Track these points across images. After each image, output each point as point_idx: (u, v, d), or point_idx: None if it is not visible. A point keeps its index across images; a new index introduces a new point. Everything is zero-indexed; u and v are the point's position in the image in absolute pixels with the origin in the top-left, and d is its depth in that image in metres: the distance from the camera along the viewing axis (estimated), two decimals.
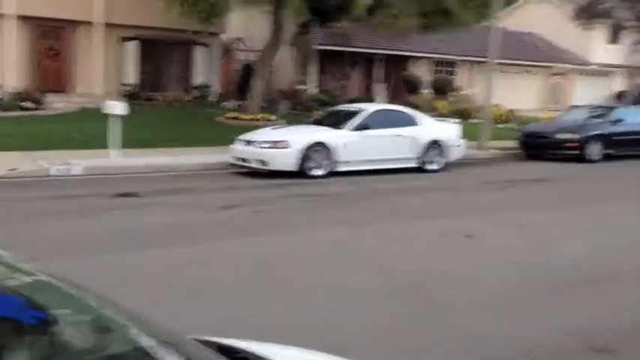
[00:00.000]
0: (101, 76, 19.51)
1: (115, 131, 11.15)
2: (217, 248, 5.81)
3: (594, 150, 14.58)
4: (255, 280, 4.89)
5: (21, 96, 16.88)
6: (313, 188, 9.73)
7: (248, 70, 23.47)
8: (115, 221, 6.88)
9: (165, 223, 6.83)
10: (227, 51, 27.57)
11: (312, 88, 25.72)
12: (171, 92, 21.64)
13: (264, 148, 10.71)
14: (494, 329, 4.10)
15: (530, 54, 31.12)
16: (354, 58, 27.54)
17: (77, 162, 10.55)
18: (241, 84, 22.81)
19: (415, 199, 9.08)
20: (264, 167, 10.66)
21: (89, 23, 19.45)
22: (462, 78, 29.71)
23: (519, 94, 30.21)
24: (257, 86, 17.55)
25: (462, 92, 27.86)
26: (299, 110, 21.56)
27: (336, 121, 11.88)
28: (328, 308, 4.36)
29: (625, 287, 5.09)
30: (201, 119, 17.07)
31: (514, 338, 3.99)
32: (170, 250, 5.67)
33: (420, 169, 11.95)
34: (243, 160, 10.95)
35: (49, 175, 9.88)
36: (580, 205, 8.82)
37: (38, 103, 17.04)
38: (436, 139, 12.14)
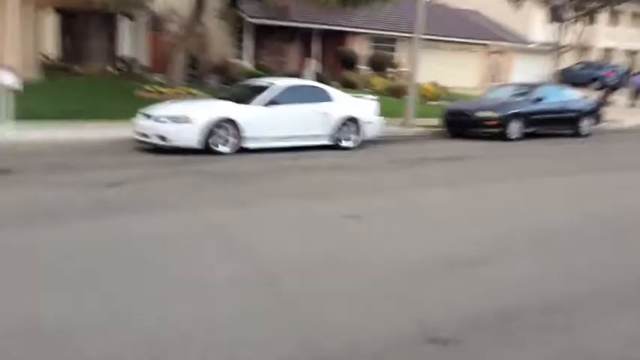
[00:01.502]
0: (17, 47, 18.37)
1: (5, 104, 10.42)
2: (61, 232, 5.34)
3: (514, 128, 14.59)
4: (82, 271, 4.46)
5: None
6: (213, 166, 9.30)
7: None
8: None
9: (36, 203, 6.30)
10: (158, 23, 26.60)
11: (246, 62, 25.09)
12: (93, 64, 20.69)
13: (164, 122, 10.18)
14: (331, 322, 3.82)
15: (469, 31, 31.15)
16: (291, 33, 26.98)
17: None
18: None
19: (316, 178, 8.76)
20: (165, 143, 10.15)
21: None
22: (401, 55, 29.48)
23: (459, 72, 30.31)
24: (178, 58, 16.85)
25: (400, 69, 27.67)
26: (230, 85, 20.94)
27: (245, 96, 11.41)
28: (160, 303, 3.99)
29: (489, 273, 4.89)
30: (120, 92, 16.28)
31: (350, 328, 3.72)
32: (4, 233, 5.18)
33: (334, 147, 11.65)
34: (144, 135, 10.41)
35: None
36: (480, 184, 8.69)
37: None
38: (350, 115, 11.83)
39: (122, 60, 21.72)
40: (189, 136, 10.12)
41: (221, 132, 10.34)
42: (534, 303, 4.25)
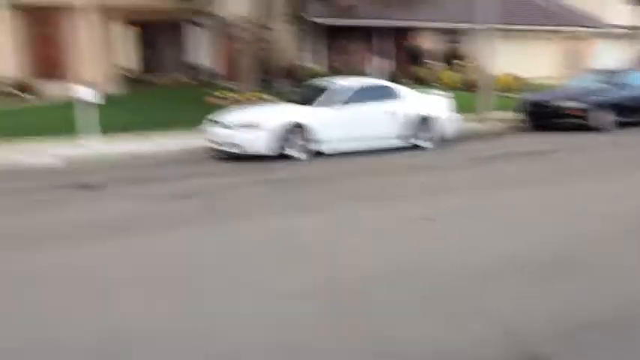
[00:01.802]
0: (96, 60, 19.08)
1: (87, 118, 10.72)
2: (137, 244, 5.32)
3: (601, 118, 13.71)
4: (152, 280, 4.40)
5: (14, 85, 16.60)
6: (285, 172, 9.18)
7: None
8: (55, 215, 6.44)
9: (109, 216, 6.37)
10: (229, 30, 27.00)
11: (316, 64, 25.02)
12: (168, 74, 21.22)
13: (236, 130, 10.16)
14: (407, 333, 3.56)
15: (544, 18, 29.82)
16: (359, 32, 26.71)
17: (52, 151, 10.17)
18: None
19: (389, 180, 8.46)
20: (237, 151, 10.13)
21: (84, 8, 18.97)
22: (472, 47, 28.52)
23: (535, 61, 29.06)
24: (246, 64, 16.96)
25: (471, 62, 26.82)
26: (299, 88, 20.93)
27: (313, 98, 11.22)
28: (232, 311, 3.85)
29: (572, 279, 4.47)
30: (194, 101, 16.54)
31: (429, 341, 3.45)
32: (78, 251, 5.21)
33: (410, 147, 11.30)
34: (218, 143, 10.44)
35: (20, 166, 9.50)
36: (565, 181, 8.12)
37: (32, 92, 16.73)
38: (425, 114, 11.45)
39: (195, 68, 22.15)
40: (260, 142, 10.05)
41: (292, 137, 10.22)
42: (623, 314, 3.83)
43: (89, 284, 4.38)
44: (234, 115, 10.76)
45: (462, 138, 12.88)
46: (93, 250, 5.17)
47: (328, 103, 10.77)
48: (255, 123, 10.18)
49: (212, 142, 10.57)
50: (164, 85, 20.37)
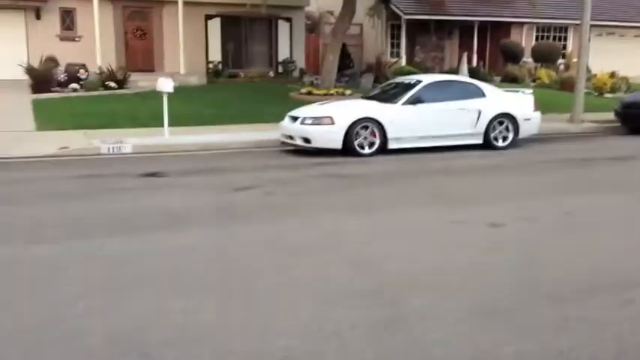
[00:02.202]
0: (186, 54, 19.75)
1: (164, 109, 11.06)
2: (187, 237, 5.37)
3: None
4: (190, 276, 4.40)
5: (106, 76, 17.47)
6: (351, 168, 9.04)
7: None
8: (117, 204, 6.66)
9: (166, 206, 6.50)
10: (316, 25, 27.12)
11: (402, 60, 24.61)
12: (254, 68, 21.61)
13: (308, 124, 10.13)
14: (458, 346, 3.33)
15: None
16: (449, 28, 26.01)
17: (129, 140, 10.58)
18: None
19: (459, 181, 8.10)
20: (308, 145, 10.10)
21: (174, 2, 19.70)
22: (573, 44, 27.06)
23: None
24: (329, 60, 16.90)
25: (572, 60, 25.42)
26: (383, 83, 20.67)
27: (391, 95, 11.02)
28: (264, 313, 3.78)
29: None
30: (277, 95, 16.74)
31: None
32: (133, 238, 5.32)
33: (486, 146, 10.82)
34: (290, 137, 10.46)
35: (99, 154, 9.96)
36: None
37: (122, 83, 17.55)
38: (503, 112, 10.88)
39: (281, 63, 22.41)
40: (331, 137, 9.96)
41: (364, 132, 10.05)
42: None
43: (117, 276, 4.46)
44: (308, 110, 10.74)
45: (547, 138, 12.19)
46: (127, 241, 5.27)
47: (404, 100, 10.50)
48: (327, 118, 10.10)
49: (285, 136, 10.60)
50: (250, 78, 20.75)
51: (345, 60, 24.35)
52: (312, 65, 23.73)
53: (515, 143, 10.99)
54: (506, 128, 10.95)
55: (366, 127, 10.08)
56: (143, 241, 5.25)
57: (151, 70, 20.17)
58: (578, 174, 8.62)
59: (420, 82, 10.90)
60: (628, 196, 7.13)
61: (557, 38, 26.53)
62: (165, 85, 11.00)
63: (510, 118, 10.93)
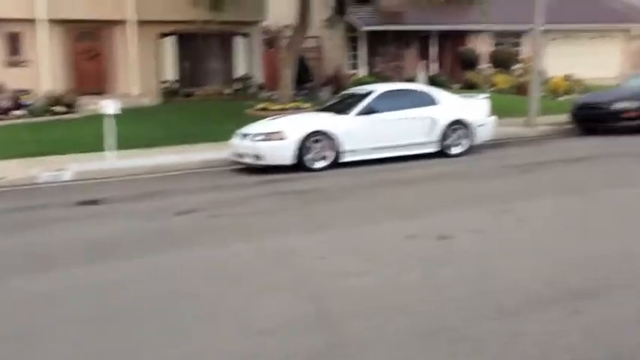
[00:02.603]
0: (139, 74, 19.30)
1: (110, 132, 10.64)
2: (115, 270, 4.99)
3: None
4: (116, 314, 4.04)
5: (53, 100, 16.90)
6: (303, 184, 8.75)
7: (297, 60, 22.63)
8: (43, 236, 6.23)
9: (98, 237, 6.10)
10: (275, 39, 26.91)
11: (362, 71, 24.54)
12: (211, 86, 21.23)
13: (258, 141, 9.82)
14: None
15: (607, 16, 28.21)
16: (407, 37, 26.05)
17: (71, 167, 10.12)
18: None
19: (412, 192, 7.85)
20: (260, 162, 9.78)
21: (124, 22, 19.28)
22: (529, 49, 27.37)
23: (597, 63, 27.57)
24: (286, 74, 16.64)
25: (528, 64, 25.68)
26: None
27: (344, 106, 10.79)
28: (191, 350, 3.44)
29: (597, 311, 3.82)
30: (232, 112, 16.37)
31: None
32: (56, 274, 4.93)
33: (441, 154, 10.64)
34: (240, 155, 10.13)
35: (35, 183, 9.47)
36: (606, 191, 7.30)
37: (70, 107, 17.00)
38: (458, 118, 10.73)
39: (239, 80, 22.08)
40: (282, 152, 9.67)
41: (316, 146, 9.79)
42: None
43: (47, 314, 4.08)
44: (258, 126, 10.44)
45: (503, 143, 12.11)
46: (65, 275, 4.88)
47: (356, 111, 10.28)
48: (277, 133, 9.81)
49: (235, 154, 10.27)
50: (206, 97, 20.37)
51: (305, 73, 24.19)
52: (272, 80, 23.43)
53: (470, 150, 10.84)
54: (461, 135, 10.80)
55: (319, 141, 9.82)
56: (66, 277, 4.85)
57: (103, 93, 19.64)
58: (532, 178, 8.47)
59: (372, 92, 10.70)
60: (581, 198, 6.98)
61: (512, 44, 26.77)
62: (110, 107, 10.57)
63: (464, 124, 10.78)
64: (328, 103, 12.20)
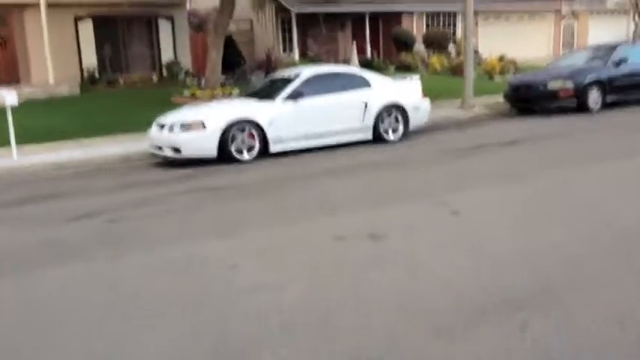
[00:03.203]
0: (54, 61, 17.89)
1: (9, 125, 9.55)
2: None
3: (592, 98, 12.47)
4: None
5: None
6: (227, 178, 7.99)
7: (228, 43, 21.60)
8: None
9: None
10: (203, 23, 25.74)
11: (294, 55, 23.76)
12: (135, 73, 20.00)
13: (176, 131, 8.98)
14: None
15: None
16: (340, 19, 25.41)
17: None
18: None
19: (342, 185, 7.20)
20: (178, 156, 8.95)
21: (35, 5, 17.77)
22: (462, 30, 27.29)
23: (529, 42, 27.80)
24: (212, 58, 15.69)
25: (462, 45, 25.55)
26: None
27: (270, 91, 10.05)
28: None
29: (567, 311, 3.28)
30: (157, 101, 15.32)
31: None
32: None
33: (376, 140, 10.08)
34: (159, 148, 9.25)
35: None
36: (547, 174, 6.89)
37: None
38: (392, 102, 10.20)
39: (166, 66, 20.91)
40: (203, 144, 8.87)
41: (241, 135, 9.04)
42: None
43: None
44: (176, 115, 9.58)
45: (438, 127, 11.69)
46: None
47: (283, 96, 9.56)
48: (197, 122, 8.99)
49: (153, 146, 9.39)
50: (130, 84, 19.17)
51: (236, 57, 23.19)
52: (201, 66, 22.35)
53: (406, 135, 10.33)
54: (396, 119, 10.27)
55: (243, 130, 9.06)
56: None
57: (16, 82, 18.17)
58: (468, 164, 7.99)
59: (299, 75, 9.99)
60: (518, 185, 6.52)
61: (446, 24, 26.58)
62: (8, 97, 9.47)
63: (399, 108, 10.26)
64: (254, 89, 11.43)
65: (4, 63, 18.34)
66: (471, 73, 14.16)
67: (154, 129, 9.44)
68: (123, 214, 6.17)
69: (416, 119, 10.49)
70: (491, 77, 19.80)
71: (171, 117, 9.47)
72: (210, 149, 8.87)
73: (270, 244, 4.89)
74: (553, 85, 12.56)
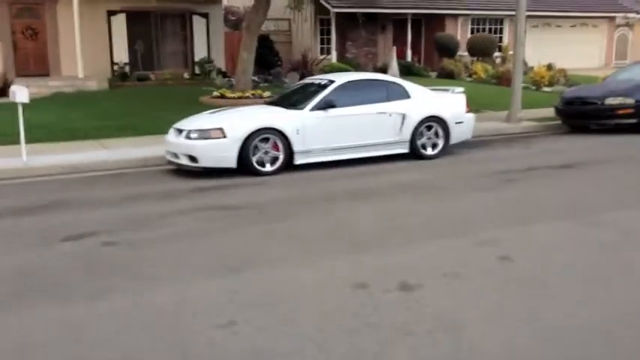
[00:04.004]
0: (85, 55, 17.43)
1: (22, 125, 8.93)
2: None
3: None
4: None
5: None
6: (243, 194, 7.20)
7: (264, 42, 20.90)
8: None
9: None
10: (241, 21, 25.12)
11: (333, 57, 22.91)
12: (167, 70, 19.45)
13: (194, 138, 8.22)
14: None
15: (591, 3, 26.92)
16: (381, 21, 24.45)
17: None
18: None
19: (370, 211, 6.27)
20: (195, 165, 8.20)
21: None
22: (509, 36, 26.04)
23: (580, 52, 26.37)
24: (243, 58, 14.96)
25: (509, 52, 24.31)
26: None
27: (299, 99, 9.23)
28: None
29: None
30: (186, 100, 14.70)
31: None
32: None
33: (413, 155, 9.18)
34: (174, 155, 8.53)
35: None
36: (614, 213, 5.88)
37: (3, 91, 15.12)
38: (432, 114, 9.25)
39: (198, 63, 20.32)
40: (222, 153, 8.09)
41: (264, 146, 8.24)
42: None
43: None
44: (195, 120, 8.84)
45: (482, 141, 10.70)
46: None
47: (312, 105, 8.72)
48: (217, 130, 8.22)
49: (169, 153, 8.67)
50: (163, 81, 18.61)
51: (272, 57, 22.49)
52: (232, 65, 21.71)
53: (446, 150, 9.39)
54: (436, 134, 9.34)
55: (267, 140, 8.27)
56: None
57: (46, 75, 17.80)
58: (519, 192, 7.00)
59: (332, 82, 9.12)
60: (590, 225, 5.51)
61: (492, 30, 25.39)
62: (19, 94, 8.84)
63: (440, 121, 9.31)
64: (282, 94, 10.62)
65: (34, 55, 18.00)
66: (519, 83, 13.10)
67: (171, 133, 8.72)
68: (120, 236, 5.41)
69: (458, 134, 9.54)
70: (538, 88, 18.59)
71: (190, 122, 8.74)
72: (230, 159, 8.09)
73: (276, 291, 4.06)
74: (611, 101, 11.42)
